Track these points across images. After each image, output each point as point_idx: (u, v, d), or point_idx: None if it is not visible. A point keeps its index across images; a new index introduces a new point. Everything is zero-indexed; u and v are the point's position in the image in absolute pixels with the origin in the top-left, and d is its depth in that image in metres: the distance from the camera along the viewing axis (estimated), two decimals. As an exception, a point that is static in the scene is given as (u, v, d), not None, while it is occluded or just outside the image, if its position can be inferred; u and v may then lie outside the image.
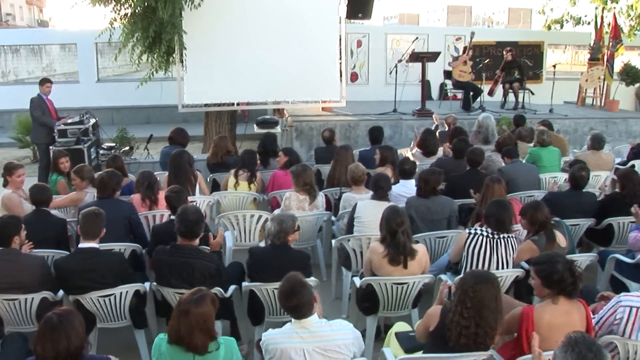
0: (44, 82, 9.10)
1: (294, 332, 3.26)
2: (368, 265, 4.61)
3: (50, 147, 8.58)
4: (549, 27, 17.31)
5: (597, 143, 7.61)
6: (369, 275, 4.59)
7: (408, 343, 3.82)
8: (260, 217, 6.03)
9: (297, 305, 3.24)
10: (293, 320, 3.30)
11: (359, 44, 16.05)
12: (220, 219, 6.04)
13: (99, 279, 4.30)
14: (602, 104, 14.24)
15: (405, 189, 6.02)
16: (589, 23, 16.10)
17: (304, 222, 5.70)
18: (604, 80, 14.08)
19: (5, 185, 6.09)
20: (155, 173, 6.15)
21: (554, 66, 13.30)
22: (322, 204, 6.09)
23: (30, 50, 17.36)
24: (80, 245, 4.41)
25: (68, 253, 4.81)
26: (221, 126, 10.97)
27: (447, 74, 13.49)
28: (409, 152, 8.31)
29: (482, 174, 6.25)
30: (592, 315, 3.53)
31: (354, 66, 16.03)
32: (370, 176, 6.04)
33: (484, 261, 4.53)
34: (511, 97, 12.74)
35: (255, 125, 11.33)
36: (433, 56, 11.97)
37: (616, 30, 13.94)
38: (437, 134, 8.62)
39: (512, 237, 4.63)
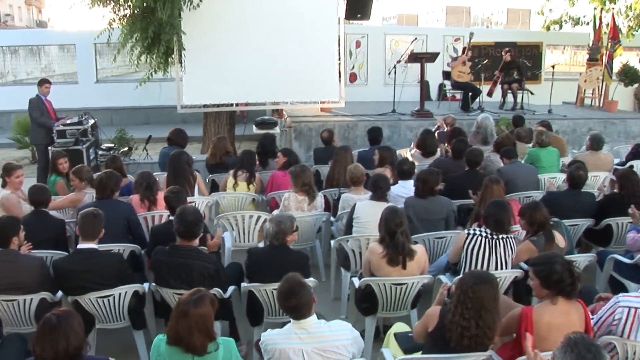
0: (43, 82, 9.09)
1: (292, 332, 3.27)
2: (367, 266, 4.61)
3: (49, 148, 8.57)
4: (548, 28, 17.31)
5: (596, 143, 7.61)
6: (367, 275, 4.59)
7: (407, 343, 3.82)
8: (259, 217, 6.03)
9: (296, 305, 3.24)
10: (292, 321, 3.30)
11: (358, 44, 16.05)
12: (219, 219, 6.05)
13: (98, 279, 4.29)
14: (601, 105, 14.25)
15: (404, 190, 6.02)
16: (587, 24, 16.12)
17: (302, 223, 5.70)
18: (603, 80, 14.09)
19: (3, 186, 6.08)
20: (154, 174, 6.13)
21: (553, 67, 13.32)
22: (321, 204, 6.09)
23: (29, 50, 17.35)
24: (79, 245, 4.40)
25: (67, 254, 4.80)
26: (220, 127, 10.97)
27: (446, 75, 13.49)
28: (408, 153, 8.32)
29: (481, 174, 6.26)
30: (591, 316, 3.53)
31: (353, 67, 16.03)
32: (369, 177, 6.05)
33: (483, 262, 4.53)
34: (510, 97, 12.75)
35: (254, 126, 11.33)
36: (432, 57, 11.97)
37: (615, 30, 13.96)
38: (436, 134, 8.63)
39: (511, 237, 4.63)
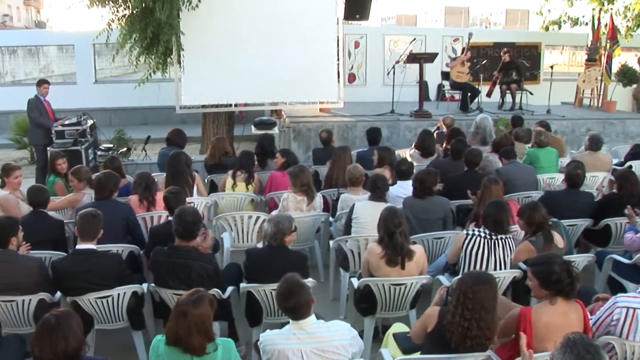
0: (42, 83, 9.09)
1: (291, 333, 3.27)
2: (366, 266, 4.61)
3: (48, 149, 8.57)
4: (547, 29, 17.33)
5: (594, 144, 7.62)
6: (366, 276, 4.59)
7: (406, 344, 3.82)
8: (258, 218, 6.03)
9: (295, 306, 3.24)
10: (291, 321, 3.30)
11: (357, 45, 16.05)
12: (218, 220, 6.05)
13: (97, 280, 4.29)
14: (600, 105, 14.27)
15: (402, 190, 6.02)
16: (586, 24, 16.14)
17: (301, 223, 5.70)
18: (602, 81, 14.10)
19: (2, 186, 6.08)
20: (152, 174, 6.14)
21: (552, 67, 13.31)
22: (320, 204, 6.09)
23: (28, 51, 17.33)
24: (78, 246, 4.40)
25: (66, 254, 4.80)
26: (219, 127, 10.97)
27: (445, 75, 13.50)
28: (407, 153, 8.33)
29: (479, 174, 6.26)
30: (589, 316, 3.54)
31: (352, 67, 16.02)
32: (368, 177, 6.05)
33: (482, 262, 4.54)
34: (508, 97, 12.76)
35: (252, 127, 11.31)
36: (431, 57, 11.97)
37: (613, 31, 13.98)
38: (434, 134, 8.64)
39: (509, 237, 4.64)
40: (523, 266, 4.60)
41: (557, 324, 3.34)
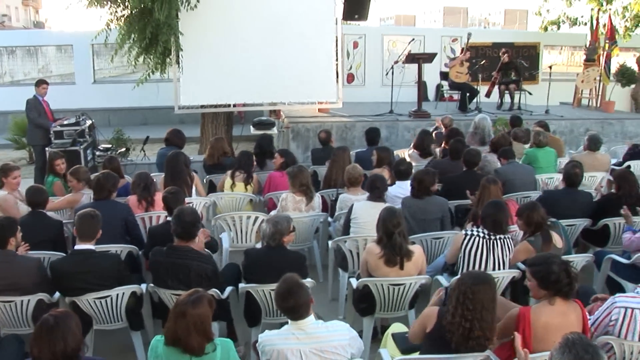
0: (40, 83, 9.09)
1: (290, 333, 3.27)
2: (364, 266, 4.61)
3: (47, 149, 8.56)
4: (546, 29, 17.34)
5: (593, 144, 7.62)
6: (365, 276, 4.59)
7: (405, 344, 3.81)
8: (256, 218, 6.03)
9: (293, 306, 3.23)
10: (290, 321, 3.30)
11: (355, 45, 16.05)
12: (217, 220, 6.04)
13: (95, 280, 4.29)
14: (598, 105, 14.28)
15: (401, 190, 6.02)
16: (585, 24, 16.15)
17: (300, 223, 5.70)
18: (600, 81, 14.12)
19: (0, 186, 6.06)
20: (151, 174, 6.14)
21: (550, 67, 13.33)
22: (319, 205, 6.09)
23: (26, 51, 17.32)
24: (77, 246, 4.40)
25: (64, 255, 4.79)
26: (217, 127, 10.97)
27: (444, 75, 13.50)
28: (406, 153, 8.33)
29: (478, 174, 6.26)
30: (588, 316, 3.54)
31: (350, 67, 16.03)
32: (367, 177, 6.05)
33: (481, 262, 4.54)
34: (507, 98, 12.77)
35: (251, 127, 11.31)
36: (429, 57, 11.98)
37: (612, 31, 13.99)
38: (433, 135, 8.64)
39: (508, 238, 4.64)
40: (522, 266, 4.60)
41: (556, 324, 3.34)
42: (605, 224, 5.74)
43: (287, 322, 3.34)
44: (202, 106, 10.40)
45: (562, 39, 18.79)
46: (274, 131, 11.12)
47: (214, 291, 4.15)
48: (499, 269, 4.55)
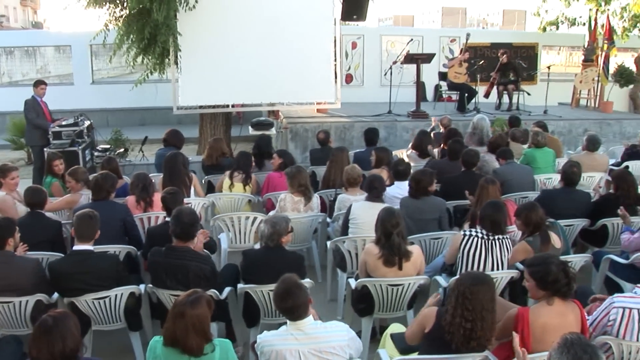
0: (38, 84, 9.08)
1: (289, 334, 3.26)
2: (363, 267, 4.61)
3: (45, 149, 8.55)
4: (544, 29, 17.35)
5: (592, 144, 7.62)
6: (364, 276, 4.59)
7: (403, 344, 3.81)
8: (255, 218, 6.02)
9: (292, 306, 3.23)
10: (288, 322, 3.30)
11: (354, 45, 16.05)
12: (215, 220, 6.04)
13: (94, 281, 4.28)
14: (596, 105, 14.30)
15: (399, 191, 6.02)
16: (584, 24, 16.17)
17: (299, 224, 5.70)
18: (598, 81, 14.14)
19: (-1, 187, 6.07)
20: (150, 175, 6.13)
21: (549, 67, 13.34)
22: (317, 205, 6.09)
23: (25, 52, 17.30)
24: (75, 247, 4.39)
25: (63, 255, 4.79)
26: (216, 128, 10.97)
27: (442, 76, 13.52)
28: (404, 154, 8.33)
29: (477, 175, 6.27)
30: (586, 316, 3.54)
31: (349, 68, 16.03)
32: (365, 178, 6.05)
33: (479, 262, 4.54)
34: (506, 98, 12.78)
35: (250, 127, 11.32)
36: (428, 58, 12.00)
37: (610, 31, 14.01)
38: (431, 135, 8.64)
39: (506, 238, 4.64)
40: (520, 266, 4.60)
41: (554, 324, 3.34)
42: (603, 224, 5.75)
43: (285, 323, 3.34)
44: (200, 107, 10.41)
45: (560, 39, 18.81)
46: (273, 132, 11.13)
47: (212, 292, 4.15)
48: (498, 269, 4.55)
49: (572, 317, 3.41)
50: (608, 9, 15.19)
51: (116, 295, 4.35)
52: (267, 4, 9.99)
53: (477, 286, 3.25)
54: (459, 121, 10.84)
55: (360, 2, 11.24)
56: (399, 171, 6.19)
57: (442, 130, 9.10)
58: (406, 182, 6.01)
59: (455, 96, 13.12)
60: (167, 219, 4.91)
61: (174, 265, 4.25)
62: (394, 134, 11.24)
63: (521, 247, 4.72)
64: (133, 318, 4.56)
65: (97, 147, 9.88)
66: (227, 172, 6.82)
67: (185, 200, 5.79)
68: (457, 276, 3.87)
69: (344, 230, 5.52)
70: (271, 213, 5.99)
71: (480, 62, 13.84)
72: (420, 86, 12.23)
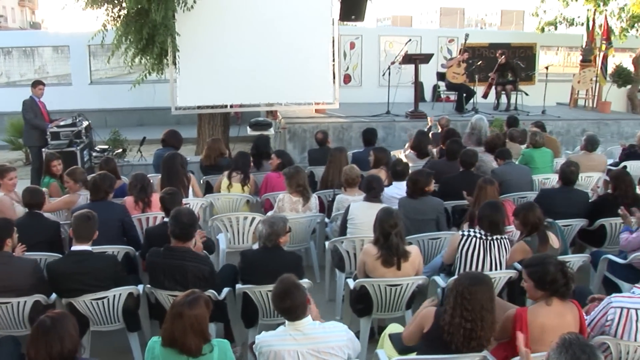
0: (36, 84, 9.07)
1: (287, 334, 3.26)
2: (361, 267, 4.61)
3: (43, 150, 8.55)
4: (542, 30, 17.36)
5: (590, 144, 7.63)
6: (362, 277, 4.59)
7: (402, 344, 3.82)
8: (253, 219, 6.01)
9: (290, 307, 3.23)
10: (287, 322, 3.30)
11: (352, 45, 16.05)
12: (214, 221, 6.04)
13: (92, 281, 4.28)
14: (594, 106, 14.33)
15: (397, 191, 6.02)
16: (582, 24, 16.19)
17: (297, 224, 5.70)
18: (596, 81, 14.15)
19: (-3, 188, 6.06)
20: (148, 175, 6.13)
21: (547, 68, 13.35)
22: (316, 205, 6.09)
23: (23, 52, 17.28)
24: (73, 248, 4.39)
25: (61, 256, 4.78)
26: (214, 128, 10.97)
27: (440, 76, 13.53)
28: (402, 154, 8.33)
29: (475, 175, 6.26)
30: (585, 317, 3.54)
31: (347, 68, 16.04)
32: (363, 178, 6.05)
33: (478, 263, 4.54)
34: (504, 98, 12.79)
35: (248, 128, 11.32)
36: (426, 58, 12.00)
37: (608, 32, 14.03)
38: (430, 135, 8.64)
39: (505, 238, 4.64)
40: (518, 266, 4.60)
41: (553, 324, 3.34)
42: (601, 224, 5.76)
43: (284, 323, 3.34)
44: (198, 107, 10.41)
45: (558, 39, 18.83)
46: (271, 132, 11.14)
47: (210, 292, 4.15)
48: (496, 269, 4.56)
49: (570, 317, 3.41)
50: (606, 10, 15.21)
51: (114, 295, 4.34)
52: (266, 4, 9.99)
53: (476, 286, 3.25)
54: (457, 121, 10.85)
55: (359, 3, 11.25)
56: (397, 171, 6.19)
57: (439, 129, 9.10)
58: (404, 183, 6.01)
59: (453, 96, 13.14)
60: (166, 219, 4.90)
61: (172, 265, 4.24)
62: (392, 134, 11.25)
63: (519, 247, 4.72)
64: (131, 318, 4.56)
65: (95, 148, 9.87)
66: (226, 173, 6.82)
67: (184, 200, 5.78)
68: (456, 276, 3.87)
69: (343, 230, 5.51)
70: (269, 213, 5.99)
71: (479, 63, 13.85)
72: (418, 86, 12.24)
